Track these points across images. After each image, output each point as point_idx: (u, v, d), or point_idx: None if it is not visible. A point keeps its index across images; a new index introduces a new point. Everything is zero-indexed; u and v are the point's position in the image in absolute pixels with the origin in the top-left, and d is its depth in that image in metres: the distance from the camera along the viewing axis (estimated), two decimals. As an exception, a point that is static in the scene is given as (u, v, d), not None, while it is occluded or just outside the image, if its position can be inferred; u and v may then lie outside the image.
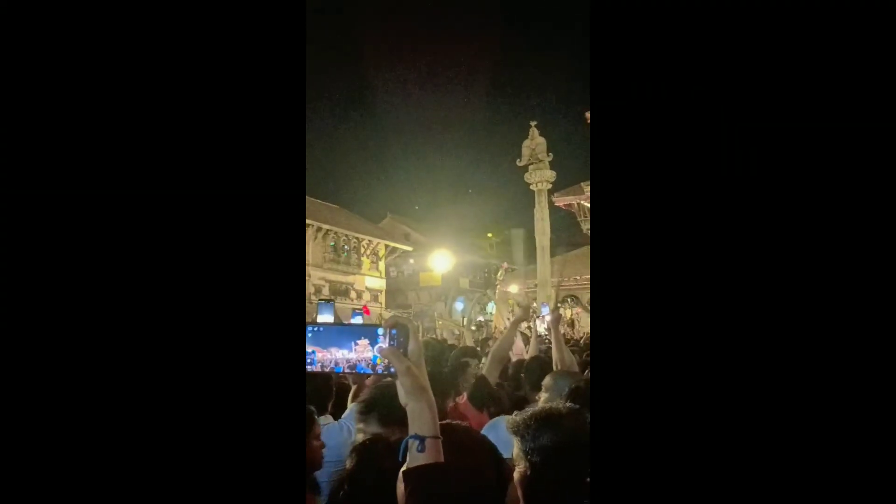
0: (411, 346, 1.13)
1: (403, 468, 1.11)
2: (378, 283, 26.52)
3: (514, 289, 23.40)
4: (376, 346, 1.12)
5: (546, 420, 1.41)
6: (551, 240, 17.91)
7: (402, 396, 1.11)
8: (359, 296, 24.69)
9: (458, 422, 1.69)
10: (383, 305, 25.41)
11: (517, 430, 1.40)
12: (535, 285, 18.69)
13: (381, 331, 1.13)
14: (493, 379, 3.26)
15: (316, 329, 1.14)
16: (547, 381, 2.80)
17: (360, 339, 1.12)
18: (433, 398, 1.12)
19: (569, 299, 22.53)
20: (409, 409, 1.11)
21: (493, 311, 20.54)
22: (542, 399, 2.63)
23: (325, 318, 2.48)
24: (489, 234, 32.46)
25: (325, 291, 22.64)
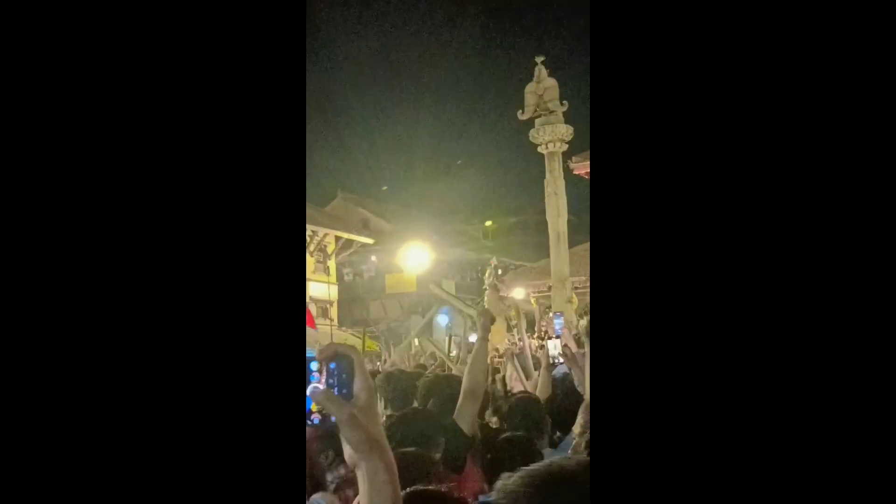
0: (358, 384, 0.97)
1: None
2: (327, 290, 20.96)
3: (519, 294, 18.64)
4: (309, 388, 0.96)
5: (550, 485, 1.20)
6: (570, 223, 15.27)
7: (349, 456, 0.98)
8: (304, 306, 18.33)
9: (435, 487, 1.54)
10: (335, 322, 19.92)
11: None
12: (549, 287, 16.27)
13: (314, 365, 0.97)
14: (467, 422, 2.70)
15: None
16: (581, 417, 2.35)
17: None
18: (391, 457, 0.99)
19: None
20: (358, 474, 0.98)
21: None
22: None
23: None
24: (487, 223, 25.65)
25: None
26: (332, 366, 0.94)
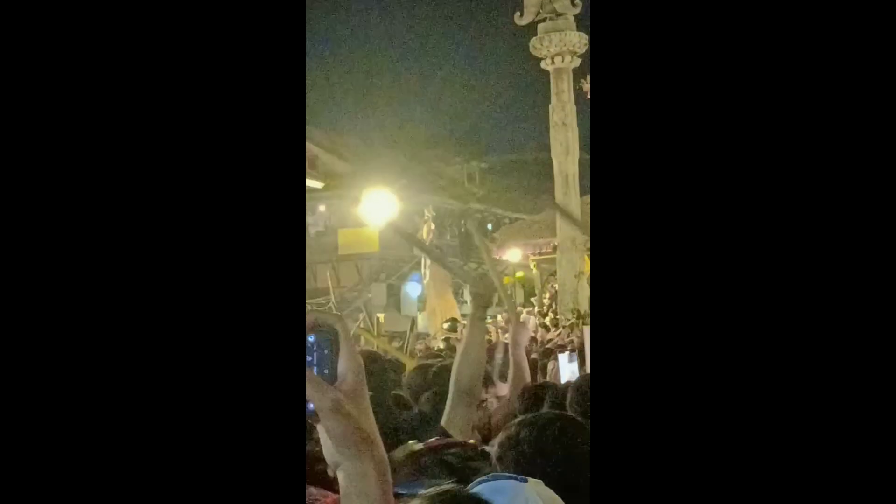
0: (343, 363, 0.88)
1: None
2: None
3: (514, 255, 17.54)
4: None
5: (549, 425, 1.60)
6: (582, 163, 13.58)
7: (329, 453, 0.88)
8: None
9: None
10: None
11: None
12: (554, 248, 15.43)
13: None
14: (460, 426, 2.28)
15: None
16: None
17: None
18: (384, 454, 0.90)
19: None
20: (340, 476, 0.88)
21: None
22: None
23: None
24: (474, 162, 21.41)
25: None
26: (311, 339, 0.88)
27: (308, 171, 19.68)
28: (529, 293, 17.19)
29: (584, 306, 11.68)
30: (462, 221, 18.23)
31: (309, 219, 20.46)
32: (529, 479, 1.47)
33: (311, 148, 20.24)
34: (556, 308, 13.56)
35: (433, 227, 16.40)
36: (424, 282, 14.61)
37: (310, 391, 0.82)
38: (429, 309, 13.34)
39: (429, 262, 13.03)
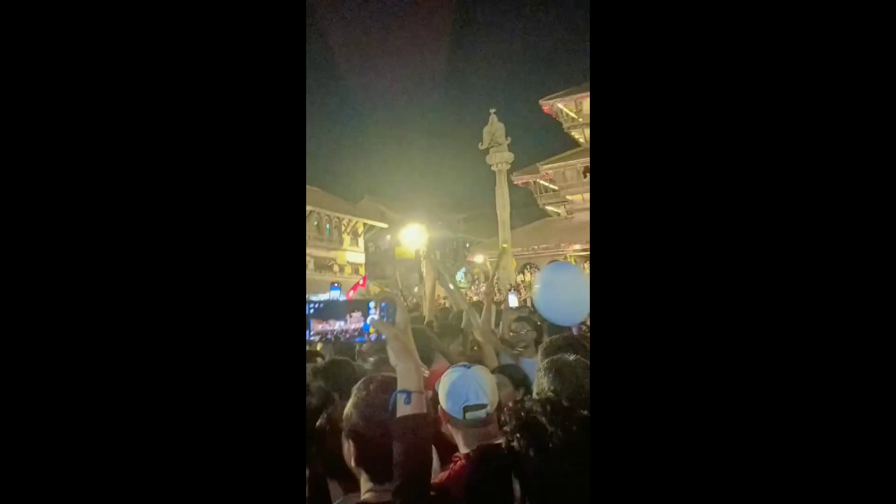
0: (399, 316, 1.26)
1: (396, 417, 1.22)
2: (358, 257, 28.81)
3: (479, 259, 25.87)
4: (369, 318, 1.26)
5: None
6: (511, 214, 19.45)
7: (392, 359, 1.23)
8: (341, 269, 27.23)
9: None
10: (363, 275, 27.74)
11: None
12: (498, 255, 20.76)
13: (372, 304, 1.26)
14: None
15: (317, 305, 1.28)
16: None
17: (353, 312, 1.26)
18: (419, 359, 1.25)
19: (528, 266, 25.60)
20: (397, 370, 1.23)
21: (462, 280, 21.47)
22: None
23: (334, 295, 3.18)
24: (461, 215, 33.11)
25: (311, 266, 24.68)
26: (384, 305, 1.22)
27: (381, 218, 29.53)
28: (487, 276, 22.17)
29: (512, 279, 16.34)
30: (454, 244, 27.57)
31: (381, 242, 30.55)
32: (473, 365, 1.73)
33: (382, 208, 30.82)
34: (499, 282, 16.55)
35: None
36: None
37: (383, 329, 1.19)
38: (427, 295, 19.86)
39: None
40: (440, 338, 3.31)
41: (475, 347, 3.24)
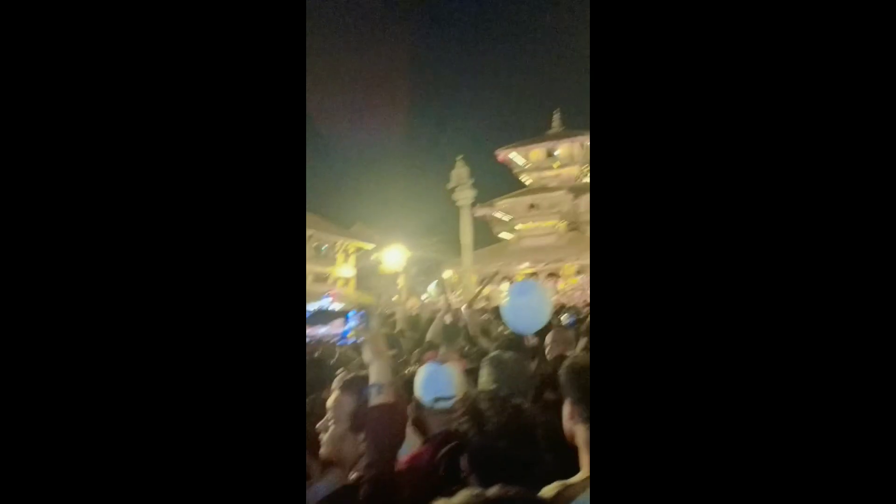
0: (373, 322, 1.46)
1: (369, 406, 1.43)
2: (349, 272, 34.42)
3: (447, 274, 30.02)
4: (348, 324, 1.46)
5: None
6: (473, 239, 23.18)
7: (367, 357, 1.44)
8: (335, 282, 33.32)
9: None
10: (352, 288, 33.12)
11: None
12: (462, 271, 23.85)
13: (351, 313, 1.44)
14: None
15: (308, 314, 1.86)
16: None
17: (335, 320, 1.77)
18: (389, 357, 1.49)
19: (484, 280, 31.38)
20: (370, 367, 1.45)
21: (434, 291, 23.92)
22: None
23: (325, 304, 5.27)
24: (434, 239, 36.09)
25: (309, 279, 29.89)
26: (362, 312, 1.39)
27: (368, 241, 34.12)
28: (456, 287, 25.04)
29: (471, 291, 16.40)
30: (428, 262, 29.99)
31: (368, 259, 34.23)
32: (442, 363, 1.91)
33: (370, 231, 34.97)
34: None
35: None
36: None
37: (361, 333, 1.39)
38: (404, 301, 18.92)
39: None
40: (412, 343, 3.82)
41: (467, 347, 3.63)
